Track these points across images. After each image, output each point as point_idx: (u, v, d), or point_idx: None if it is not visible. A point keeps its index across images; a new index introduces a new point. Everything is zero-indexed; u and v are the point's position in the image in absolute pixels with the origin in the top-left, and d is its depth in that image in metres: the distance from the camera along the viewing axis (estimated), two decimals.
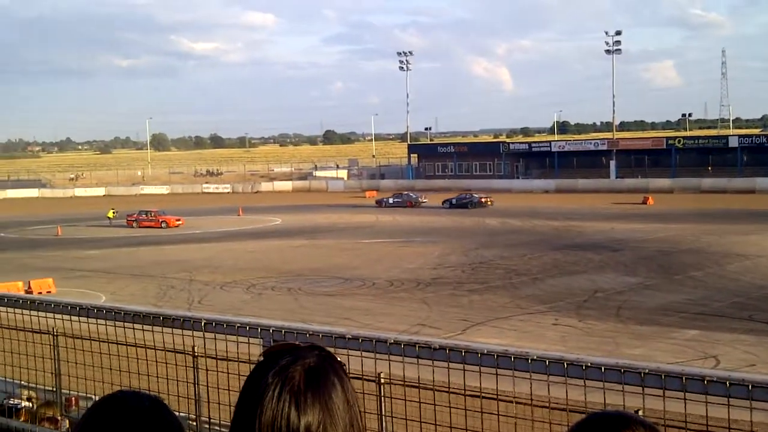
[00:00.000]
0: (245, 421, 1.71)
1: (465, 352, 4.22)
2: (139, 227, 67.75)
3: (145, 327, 5.65)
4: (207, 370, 5.91)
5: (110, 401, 1.86)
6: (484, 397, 4.49)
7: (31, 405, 9.96)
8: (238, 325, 4.86)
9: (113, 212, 72.53)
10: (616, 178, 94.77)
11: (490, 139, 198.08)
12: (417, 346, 4.39)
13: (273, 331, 4.72)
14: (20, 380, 7.75)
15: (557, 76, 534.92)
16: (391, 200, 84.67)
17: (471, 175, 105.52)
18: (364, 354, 4.53)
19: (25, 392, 10.08)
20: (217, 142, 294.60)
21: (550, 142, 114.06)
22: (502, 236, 54.53)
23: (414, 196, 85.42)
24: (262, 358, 1.77)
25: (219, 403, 5.46)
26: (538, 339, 26.28)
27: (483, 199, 79.93)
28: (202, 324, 5.04)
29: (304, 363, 1.71)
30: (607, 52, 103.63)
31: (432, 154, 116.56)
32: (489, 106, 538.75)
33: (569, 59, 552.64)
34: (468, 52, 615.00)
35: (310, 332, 4.68)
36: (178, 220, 69.32)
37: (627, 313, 30.70)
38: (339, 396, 1.71)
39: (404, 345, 4.44)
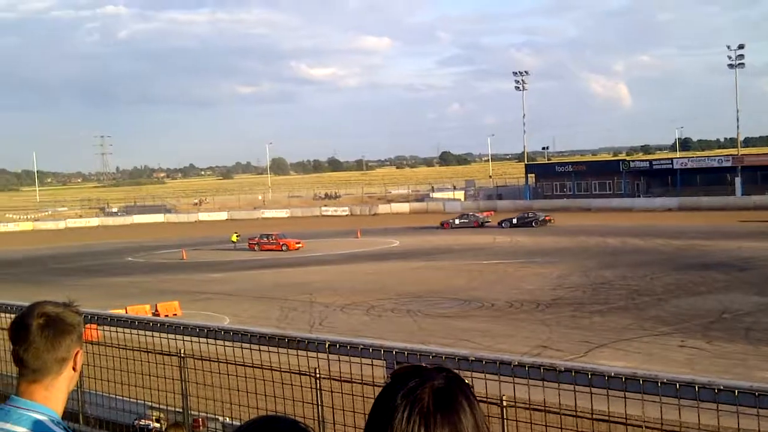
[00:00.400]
0: None
1: (591, 374, 4.13)
2: (261, 250, 68.99)
3: (271, 348, 5.73)
4: (331, 391, 5.95)
5: (262, 425, 1.92)
6: (612, 422, 4.39)
7: (159, 426, 10.22)
8: (362, 346, 4.87)
9: (236, 236, 74.07)
10: (742, 195, 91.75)
11: (609, 157, 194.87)
12: (541, 368, 4.32)
13: (396, 352, 4.71)
14: (149, 401, 7.96)
15: (678, 91, 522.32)
16: (457, 221, 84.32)
17: (590, 194, 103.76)
18: (487, 376, 4.48)
19: (154, 413, 10.35)
20: (334, 165, 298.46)
21: (671, 159, 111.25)
22: (623, 256, 53.37)
23: (481, 217, 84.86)
24: (389, 380, 1.78)
25: (344, 425, 5.48)
26: (664, 361, 25.55)
27: (546, 217, 79.20)
28: (326, 346, 5.07)
29: (433, 384, 1.71)
30: (730, 66, 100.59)
31: (550, 174, 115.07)
32: (607, 123, 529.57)
33: (690, 74, 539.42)
34: (584, 70, 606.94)
35: (433, 354, 4.65)
36: (298, 243, 70.32)
37: (757, 334, 29.60)
38: (468, 418, 1.70)
39: (528, 367, 4.37)
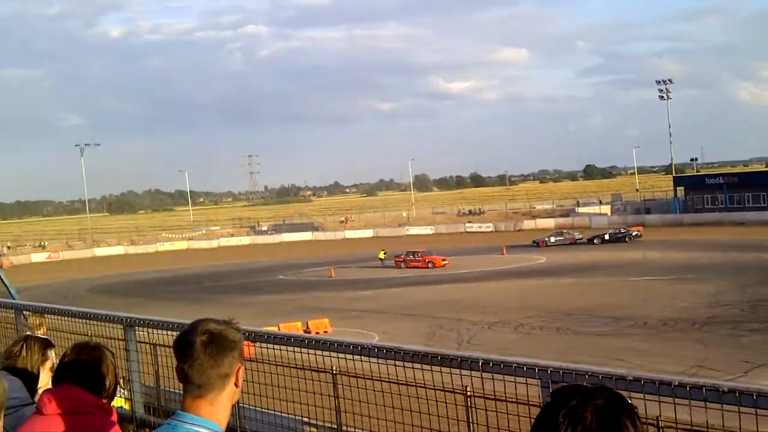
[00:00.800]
0: None
1: (757, 395, 3.91)
2: (407, 267, 69.47)
3: (424, 366, 5.71)
4: (485, 409, 5.87)
5: None
6: None
7: None
8: (515, 365, 4.77)
9: (384, 253, 74.77)
10: None
11: (762, 168, 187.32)
12: (704, 388, 4.12)
13: (551, 371, 4.60)
14: (305, 417, 8.07)
15: None
16: (552, 239, 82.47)
17: (744, 207, 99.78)
18: (646, 397, 4.32)
19: (309, 429, 10.51)
20: (477, 180, 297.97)
21: None
22: None
23: (577, 235, 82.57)
24: (550, 399, 1.78)
25: None
26: None
27: (638, 232, 77.00)
28: (480, 363, 5.01)
29: (595, 404, 1.71)
30: None
31: (699, 186, 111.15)
32: (760, 133, 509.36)
33: None
34: (733, 77, 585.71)
35: (590, 373, 4.50)
36: (444, 260, 70.46)
37: None
38: None
39: (690, 387, 4.18)
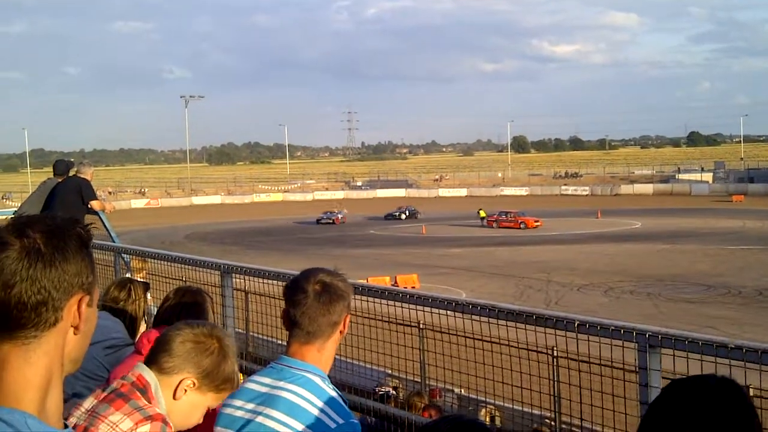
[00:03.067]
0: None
1: None
2: (499, 227, 69.17)
3: (509, 324, 5.75)
4: (568, 368, 5.93)
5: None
6: None
7: (396, 393, 10.56)
8: (612, 327, 4.75)
9: (484, 212, 74.12)
10: None
11: None
12: None
13: (649, 336, 4.58)
14: (389, 369, 8.22)
15: None
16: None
17: None
18: (747, 365, 4.27)
19: (392, 381, 10.70)
20: (576, 144, 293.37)
21: None
22: None
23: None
24: (665, 392, 1.81)
25: (580, 402, 5.42)
26: None
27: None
28: (575, 324, 5.01)
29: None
30: None
31: None
32: None
33: None
34: None
35: (690, 339, 4.47)
36: (537, 221, 69.91)
37: None
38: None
39: None
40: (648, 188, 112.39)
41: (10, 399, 1.49)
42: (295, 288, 2.93)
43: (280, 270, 7.36)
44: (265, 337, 8.44)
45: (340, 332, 2.96)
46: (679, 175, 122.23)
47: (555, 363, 6.38)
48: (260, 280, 7.74)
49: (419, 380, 9.37)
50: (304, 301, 2.87)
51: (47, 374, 1.53)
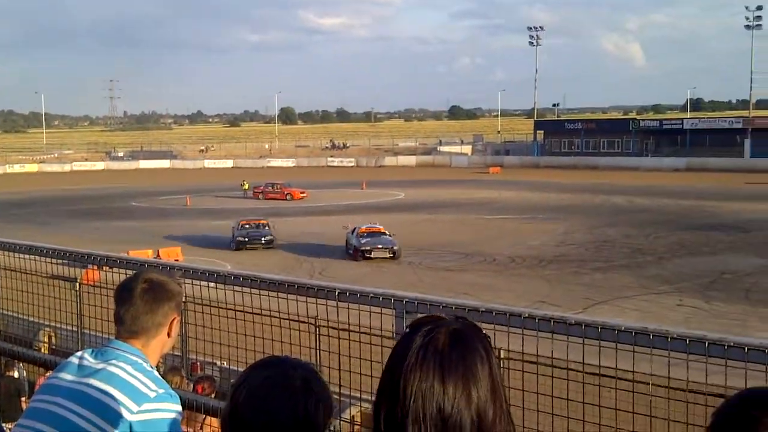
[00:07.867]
0: (390, 383, 1.75)
1: (601, 328, 4.03)
2: (265, 199, 68.95)
3: (271, 294, 5.62)
4: (329, 337, 5.87)
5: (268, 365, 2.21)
6: (619, 378, 4.30)
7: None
8: (372, 295, 4.77)
9: (247, 184, 73.66)
10: (751, 157, 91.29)
11: (619, 116, 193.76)
12: (552, 321, 4.23)
13: (406, 302, 4.61)
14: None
15: (692, 52, 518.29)
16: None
17: (598, 153, 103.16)
18: (496, 328, 4.38)
19: None
20: (343, 116, 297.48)
21: (682, 119, 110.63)
22: (629, 215, 53.27)
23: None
24: (408, 330, 1.82)
25: (339, 369, 5.37)
26: (660, 320, 25.34)
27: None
28: (336, 293, 4.97)
29: (449, 328, 1.77)
30: (747, 27, 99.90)
31: (559, 131, 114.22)
32: (619, 83, 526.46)
33: (705, 35, 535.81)
34: (599, 28, 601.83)
35: (444, 304, 4.56)
36: (303, 192, 70.27)
37: (757, 295, 29.63)
38: (484, 364, 1.74)
39: (538, 320, 4.27)
40: (411, 160, 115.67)
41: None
42: (122, 286, 3.03)
43: (33, 243, 6.91)
44: (14, 314, 7.90)
45: (168, 334, 3.01)
46: (441, 147, 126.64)
47: (317, 332, 6.31)
48: (11, 254, 7.23)
49: (179, 354, 9.09)
50: (130, 299, 2.95)
51: None
